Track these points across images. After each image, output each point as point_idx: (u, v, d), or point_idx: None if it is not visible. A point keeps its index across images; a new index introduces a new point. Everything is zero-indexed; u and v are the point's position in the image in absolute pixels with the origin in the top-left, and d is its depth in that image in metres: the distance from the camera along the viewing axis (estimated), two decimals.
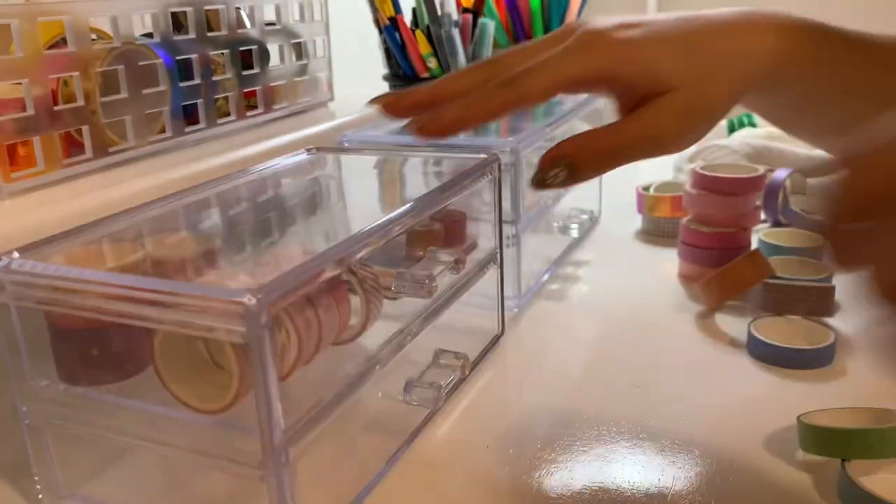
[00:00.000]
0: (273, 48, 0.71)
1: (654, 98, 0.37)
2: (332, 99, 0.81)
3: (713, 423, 0.45)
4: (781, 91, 0.40)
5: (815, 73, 0.39)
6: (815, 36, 0.39)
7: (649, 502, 0.38)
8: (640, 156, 0.38)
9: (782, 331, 0.53)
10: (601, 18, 0.39)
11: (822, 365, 0.51)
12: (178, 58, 0.60)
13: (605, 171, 0.38)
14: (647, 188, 0.78)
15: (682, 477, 0.40)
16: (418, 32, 0.93)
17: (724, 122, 0.98)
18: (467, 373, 0.49)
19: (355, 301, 0.40)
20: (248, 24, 0.68)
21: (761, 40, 0.38)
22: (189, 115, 0.62)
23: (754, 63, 0.38)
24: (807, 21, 0.39)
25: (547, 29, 1.09)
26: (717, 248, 0.63)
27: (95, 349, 0.39)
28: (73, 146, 0.54)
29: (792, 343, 0.51)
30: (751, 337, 0.53)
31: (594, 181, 0.81)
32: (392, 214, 0.40)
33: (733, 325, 0.57)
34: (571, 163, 0.37)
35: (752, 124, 0.97)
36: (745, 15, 0.39)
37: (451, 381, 0.47)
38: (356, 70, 1.06)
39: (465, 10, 0.96)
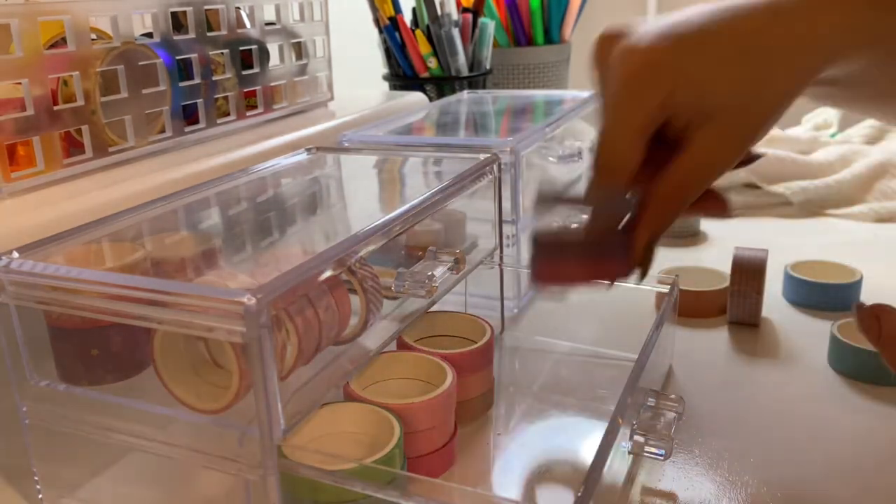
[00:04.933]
0: (273, 48, 0.71)
1: (697, 128, 0.33)
2: (331, 99, 0.81)
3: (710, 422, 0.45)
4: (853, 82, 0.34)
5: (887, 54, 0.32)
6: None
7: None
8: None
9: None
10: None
11: None
12: (178, 57, 0.60)
13: None
14: None
15: (682, 477, 0.40)
16: (418, 32, 0.94)
17: None
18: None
19: (355, 301, 0.40)
20: (247, 23, 0.68)
21: (819, 24, 0.31)
22: (189, 115, 0.62)
23: (815, 54, 0.32)
24: None
25: (547, 29, 1.09)
26: None
27: (95, 349, 0.39)
28: (72, 146, 0.54)
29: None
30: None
31: None
32: (392, 214, 0.40)
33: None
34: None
35: None
36: None
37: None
38: (356, 70, 1.06)
39: (465, 10, 0.96)
